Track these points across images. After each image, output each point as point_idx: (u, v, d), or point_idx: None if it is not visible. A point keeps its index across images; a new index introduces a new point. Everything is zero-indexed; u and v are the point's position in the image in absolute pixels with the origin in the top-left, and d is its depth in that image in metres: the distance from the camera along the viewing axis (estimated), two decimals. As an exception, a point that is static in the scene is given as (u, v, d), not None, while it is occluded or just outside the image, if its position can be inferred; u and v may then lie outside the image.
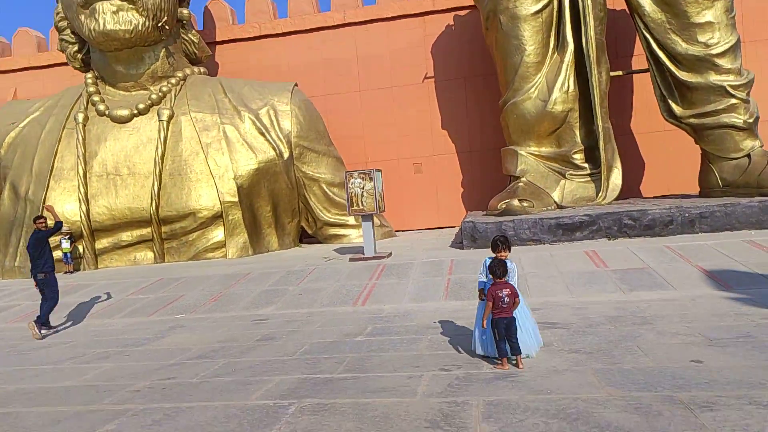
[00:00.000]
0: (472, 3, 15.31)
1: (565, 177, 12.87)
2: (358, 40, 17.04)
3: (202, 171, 13.74)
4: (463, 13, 16.53)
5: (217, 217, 13.51)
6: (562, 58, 12.81)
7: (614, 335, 5.57)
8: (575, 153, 12.88)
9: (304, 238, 15.68)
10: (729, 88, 11.77)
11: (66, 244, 13.16)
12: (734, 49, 11.93)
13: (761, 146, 11.87)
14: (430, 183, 16.79)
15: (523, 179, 12.90)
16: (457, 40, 16.53)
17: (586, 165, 12.88)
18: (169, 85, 14.73)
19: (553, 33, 13.01)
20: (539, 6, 12.74)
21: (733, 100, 11.79)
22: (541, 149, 13.20)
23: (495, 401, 4.04)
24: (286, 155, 14.40)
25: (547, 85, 12.84)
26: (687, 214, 10.14)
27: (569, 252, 9.52)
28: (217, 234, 13.61)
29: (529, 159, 13.13)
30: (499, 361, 4.84)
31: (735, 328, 5.49)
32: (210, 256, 13.58)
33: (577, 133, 12.96)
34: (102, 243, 13.76)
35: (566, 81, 12.69)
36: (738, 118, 11.79)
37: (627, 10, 13.18)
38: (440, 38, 16.69)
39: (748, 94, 11.95)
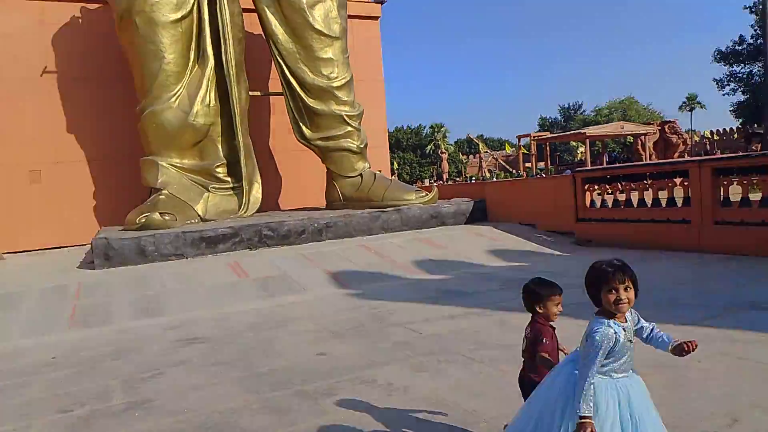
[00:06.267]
0: (103, -3, 13.90)
1: (208, 190, 12.86)
2: (-57, 12, 13.38)
3: None
4: (92, 6, 14.83)
5: None
6: (203, 72, 12.82)
7: (254, 342, 5.80)
8: (218, 167, 13.03)
9: None
10: (346, 117, 13.83)
11: None
12: (349, 84, 14.10)
13: (369, 167, 14.33)
14: (52, 195, 14.37)
15: (164, 191, 12.31)
16: (86, 35, 14.70)
17: (228, 179, 13.16)
18: None
19: (194, 45, 12.89)
20: (179, 15, 12.45)
21: (349, 128, 13.90)
22: (183, 161, 12.87)
23: (125, 434, 3.66)
24: None
25: (189, 96, 12.63)
26: (316, 224, 11.44)
27: (212, 264, 9.53)
28: None
29: (171, 171, 12.64)
30: None
31: (351, 320, 6.41)
32: None
33: (220, 147, 13.14)
34: None
35: (207, 95, 12.74)
36: (353, 143, 13.96)
37: (264, 35, 14.11)
38: (64, 30, 14.55)
39: (359, 123, 14.28)
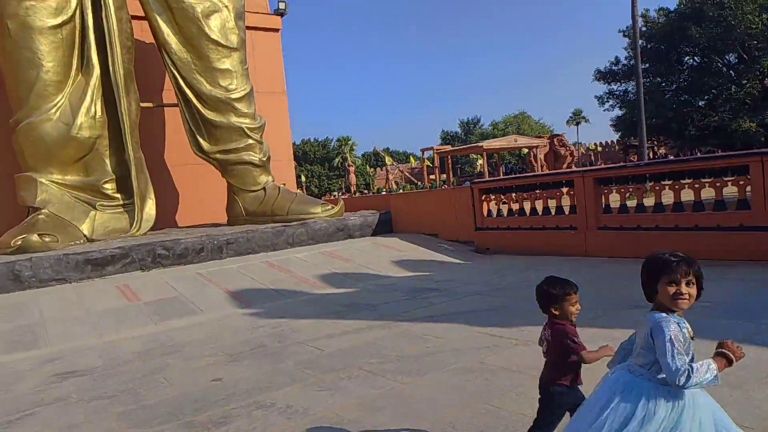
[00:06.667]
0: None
1: (95, 208, 11.93)
2: None
3: None
4: (-45, 7, 13.33)
5: None
6: (88, 81, 11.94)
7: (142, 371, 5.38)
8: (106, 182, 12.14)
9: None
10: (247, 130, 13.43)
11: None
12: (249, 96, 13.72)
13: (273, 180, 14.01)
14: None
15: (44, 211, 11.27)
16: (-53, 38, 13.19)
17: (118, 195, 12.30)
18: None
19: (76, 52, 11.98)
20: (58, 20, 11.52)
21: (250, 140, 13.51)
22: (66, 177, 11.86)
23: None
24: None
25: (71, 107, 11.69)
26: (216, 242, 10.96)
27: (99, 288, 8.80)
28: None
29: (52, 188, 11.60)
30: None
31: (252, 341, 6.15)
32: None
33: (108, 161, 12.26)
34: None
35: (93, 105, 11.86)
36: (255, 156, 13.58)
37: (156, 44, 13.42)
38: None
39: (261, 136, 13.92)
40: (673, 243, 8.49)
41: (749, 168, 7.83)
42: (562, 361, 2.68)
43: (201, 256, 10.69)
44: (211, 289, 8.75)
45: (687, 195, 8.74)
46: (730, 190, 8.38)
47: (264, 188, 13.63)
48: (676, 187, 8.80)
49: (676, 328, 2.02)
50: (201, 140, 13.28)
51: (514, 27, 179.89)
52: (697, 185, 8.60)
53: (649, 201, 9.33)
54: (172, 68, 12.93)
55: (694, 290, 2.07)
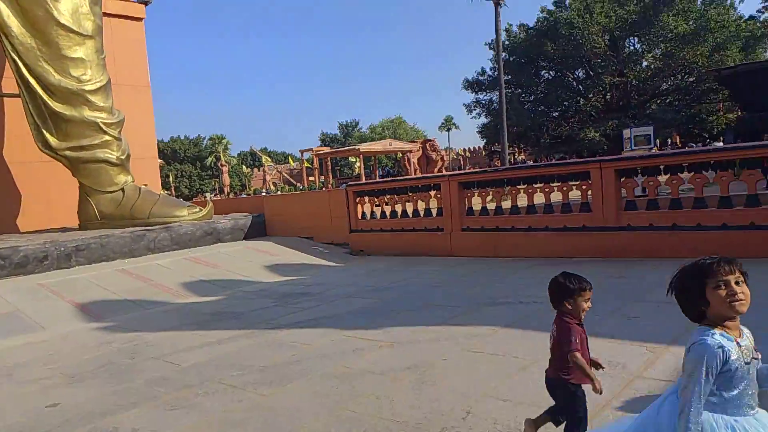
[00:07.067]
0: None
1: None
2: None
3: None
4: None
5: None
6: None
7: (-41, 401, 4.65)
8: (-76, 182, 10.47)
9: None
10: (102, 125, 12.30)
11: None
12: (106, 89, 12.58)
13: (133, 181, 12.97)
14: None
15: None
16: None
17: (-59, 197, 10.66)
18: None
19: None
20: None
21: (107, 137, 12.39)
22: None
23: None
24: None
25: None
26: (63, 248, 9.88)
27: None
28: None
29: None
30: None
31: (98, 358, 5.59)
32: None
33: (-73, 157, 10.58)
34: None
35: None
36: (112, 154, 12.47)
37: (-7, 26, 11.81)
38: None
39: (120, 132, 12.83)
40: (527, 243, 9.17)
41: (590, 174, 8.68)
42: (563, 357, 2.70)
43: (45, 264, 9.58)
44: (56, 302, 7.86)
45: (539, 198, 9.48)
46: (576, 194, 9.25)
47: (122, 189, 12.59)
48: (530, 191, 9.52)
49: (707, 350, 1.80)
50: (48, 135, 11.95)
51: (398, 28, 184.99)
52: (547, 189, 9.37)
53: (506, 204, 9.99)
54: (12, 54, 11.49)
55: (747, 289, 1.85)
